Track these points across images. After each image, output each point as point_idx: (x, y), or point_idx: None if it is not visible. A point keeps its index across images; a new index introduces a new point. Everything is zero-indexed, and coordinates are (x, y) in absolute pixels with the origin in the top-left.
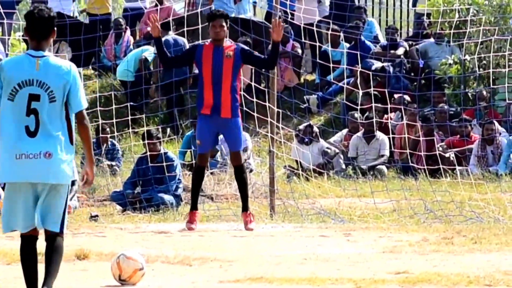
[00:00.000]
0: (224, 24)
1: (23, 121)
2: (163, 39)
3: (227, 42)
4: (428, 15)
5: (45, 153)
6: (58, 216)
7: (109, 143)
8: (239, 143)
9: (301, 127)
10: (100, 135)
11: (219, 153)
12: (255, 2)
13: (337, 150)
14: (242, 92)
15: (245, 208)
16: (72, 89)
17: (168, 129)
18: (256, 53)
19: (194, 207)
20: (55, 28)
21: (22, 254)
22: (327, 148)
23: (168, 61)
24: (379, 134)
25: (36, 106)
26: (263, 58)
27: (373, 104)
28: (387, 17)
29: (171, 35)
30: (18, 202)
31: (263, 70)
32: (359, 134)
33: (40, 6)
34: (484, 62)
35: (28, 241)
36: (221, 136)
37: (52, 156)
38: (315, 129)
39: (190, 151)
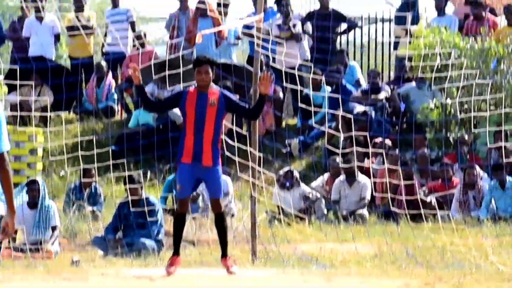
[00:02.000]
0: (209, 70)
1: None
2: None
3: (213, 88)
4: (410, 59)
5: None
6: None
7: (92, 187)
8: (219, 191)
9: (281, 172)
10: (83, 179)
11: (200, 198)
12: (235, 45)
13: (318, 195)
14: (223, 136)
15: (224, 254)
16: None
17: (150, 173)
18: (240, 102)
19: (176, 253)
20: None
21: None
22: (309, 193)
23: (153, 107)
24: (361, 178)
25: None
26: (247, 109)
27: (355, 148)
28: (368, 60)
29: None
30: None
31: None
32: (341, 177)
33: None
34: (466, 106)
35: None
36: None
37: None
38: (296, 174)
39: (172, 196)
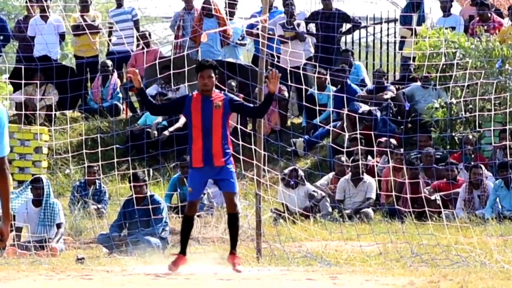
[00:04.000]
0: (212, 74)
1: None
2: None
3: (216, 92)
4: (415, 58)
5: None
6: None
7: (97, 185)
8: (233, 186)
9: (286, 171)
10: (87, 177)
11: (205, 196)
12: (242, 45)
13: (323, 194)
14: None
15: (232, 251)
16: None
17: (153, 171)
18: (245, 102)
19: (182, 252)
20: None
21: None
22: (313, 191)
23: (155, 109)
24: (366, 177)
25: None
26: (253, 107)
27: (359, 147)
28: (374, 60)
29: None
30: None
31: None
32: (347, 177)
33: None
34: (471, 106)
35: None
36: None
37: None
38: (300, 172)
39: (177, 194)
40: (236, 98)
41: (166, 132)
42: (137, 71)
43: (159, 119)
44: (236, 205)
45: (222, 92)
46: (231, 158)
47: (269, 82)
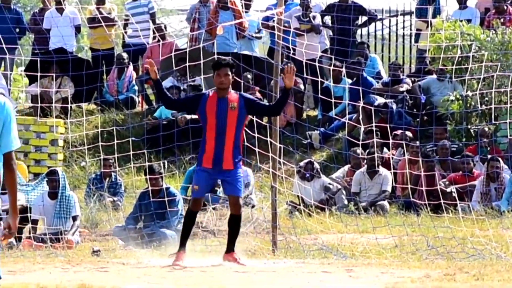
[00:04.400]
0: (229, 72)
1: None
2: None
3: (231, 93)
4: (430, 51)
5: None
6: None
7: (112, 177)
8: (238, 190)
9: (302, 163)
10: (103, 169)
11: (220, 189)
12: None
13: (339, 186)
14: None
15: (229, 250)
16: (5, 126)
17: (168, 163)
18: (260, 101)
19: (182, 248)
20: None
21: None
22: (329, 184)
23: (170, 103)
24: (382, 170)
25: None
26: (268, 106)
27: (375, 140)
28: (389, 53)
29: None
30: None
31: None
32: (362, 169)
33: None
34: (486, 98)
35: None
36: None
37: None
38: (316, 165)
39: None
40: (251, 96)
41: (187, 116)
42: (153, 62)
43: None
44: (240, 207)
45: (238, 92)
46: (241, 162)
47: (284, 77)
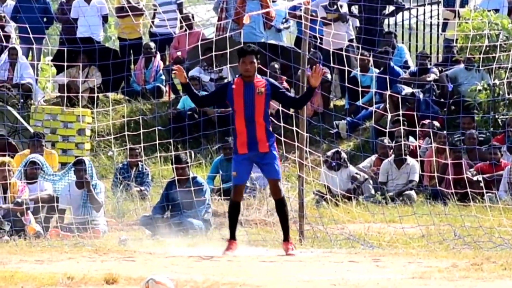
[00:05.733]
0: (254, 60)
1: None
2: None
3: (258, 77)
4: (457, 40)
5: None
6: None
7: (139, 167)
8: (277, 172)
9: (329, 153)
10: (130, 159)
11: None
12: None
13: (366, 176)
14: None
15: (286, 238)
16: None
17: (194, 153)
18: (286, 92)
19: (232, 237)
20: None
21: None
22: (356, 173)
23: (200, 102)
24: (409, 159)
25: None
26: (293, 98)
27: (402, 128)
28: (417, 42)
29: None
30: None
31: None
32: (390, 159)
33: None
34: None
35: None
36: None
37: None
38: (343, 155)
39: (219, 176)
40: (279, 85)
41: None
42: (182, 68)
43: None
44: (280, 190)
45: (264, 78)
46: (275, 144)
47: (311, 77)
